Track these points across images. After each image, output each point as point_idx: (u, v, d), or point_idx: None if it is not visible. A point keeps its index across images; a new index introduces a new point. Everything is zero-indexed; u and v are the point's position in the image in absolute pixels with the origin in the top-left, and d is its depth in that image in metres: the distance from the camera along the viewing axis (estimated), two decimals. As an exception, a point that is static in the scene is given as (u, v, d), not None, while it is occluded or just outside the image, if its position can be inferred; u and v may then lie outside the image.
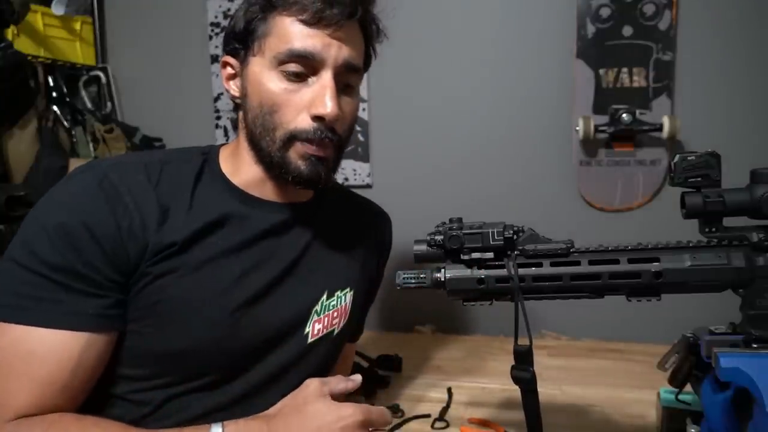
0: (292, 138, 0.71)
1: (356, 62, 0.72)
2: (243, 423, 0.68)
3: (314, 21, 0.68)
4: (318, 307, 0.81)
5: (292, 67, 0.70)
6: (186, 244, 0.70)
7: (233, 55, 0.76)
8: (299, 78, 0.70)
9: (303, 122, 0.70)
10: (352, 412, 0.68)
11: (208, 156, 0.79)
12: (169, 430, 0.67)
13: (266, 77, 0.71)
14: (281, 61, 0.70)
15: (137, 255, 0.67)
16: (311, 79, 0.70)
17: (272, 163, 0.73)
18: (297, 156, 0.72)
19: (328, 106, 0.68)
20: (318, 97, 0.69)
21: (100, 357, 0.67)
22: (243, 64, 0.74)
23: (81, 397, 0.67)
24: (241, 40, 0.74)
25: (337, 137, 0.73)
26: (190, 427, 0.67)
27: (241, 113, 0.77)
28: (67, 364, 0.64)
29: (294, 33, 0.69)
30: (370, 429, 0.70)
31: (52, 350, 0.63)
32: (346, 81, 0.73)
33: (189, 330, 0.70)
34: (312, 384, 0.72)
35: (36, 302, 0.63)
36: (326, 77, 0.70)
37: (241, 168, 0.77)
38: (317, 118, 0.70)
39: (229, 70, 0.77)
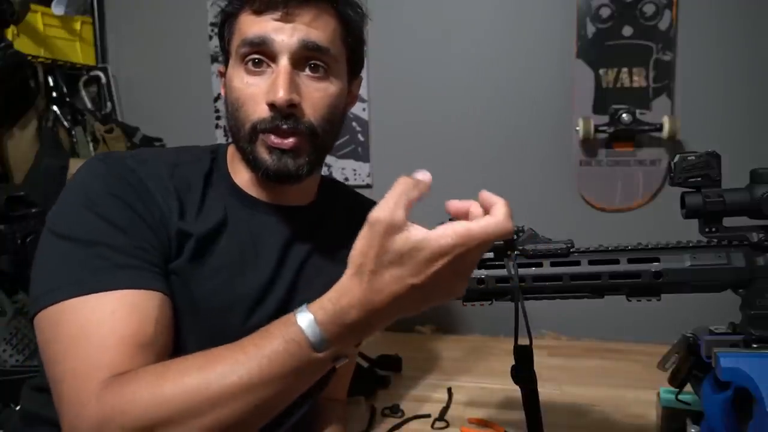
0: (255, 130, 0.71)
1: (320, 41, 0.70)
2: (332, 303, 0.54)
3: (263, 8, 0.69)
4: None
5: (251, 57, 0.70)
6: (198, 246, 0.70)
7: (224, 64, 0.78)
8: (260, 70, 0.70)
9: (262, 112, 0.70)
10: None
11: (217, 155, 0.79)
12: (252, 336, 0.58)
13: (233, 75, 0.72)
14: (242, 56, 0.71)
15: (169, 244, 0.68)
16: (271, 69, 0.70)
17: (248, 160, 0.73)
18: (263, 149, 0.71)
19: (278, 92, 0.67)
20: (272, 84, 0.69)
21: (171, 322, 0.66)
22: (227, 71, 0.76)
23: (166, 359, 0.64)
24: (223, 49, 0.77)
25: (305, 125, 0.71)
26: (274, 323, 0.57)
27: None
28: (150, 321, 0.62)
29: (247, 24, 0.70)
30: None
31: (134, 308, 0.61)
32: (314, 63, 0.71)
33: (202, 342, 0.70)
34: (384, 219, 0.51)
35: (109, 271, 0.62)
36: (281, 63, 0.69)
37: (242, 170, 0.77)
38: (272, 106, 0.69)
39: (222, 79, 0.79)
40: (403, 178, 0.54)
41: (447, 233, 0.51)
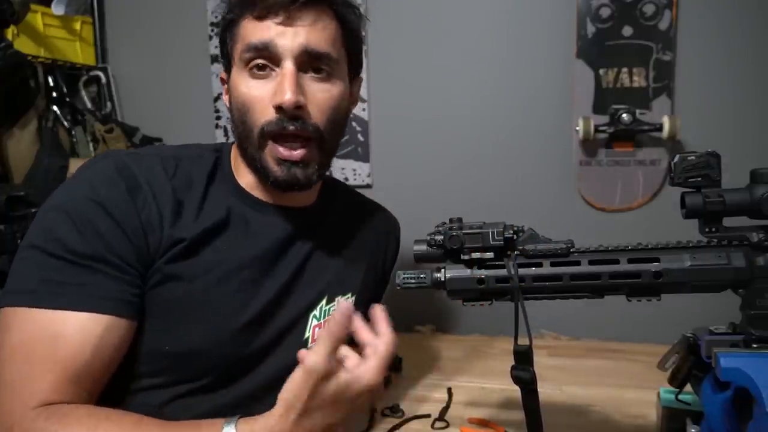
0: (263, 135, 0.71)
1: (321, 48, 0.71)
2: (257, 420, 0.60)
3: (264, 13, 0.70)
4: (316, 312, 0.81)
5: (255, 62, 0.70)
6: (195, 243, 0.70)
7: (225, 70, 0.78)
8: (264, 74, 0.71)
9: (269, 115, 0.70)
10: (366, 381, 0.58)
11: (221, 154, 0.79)
12: (182, 422, 0.65)
13: (238, 81, 0.72)
14: (246, 61, 0.71)
15: (155, 247, 0.68)
16: (275, 72, 0.71)
17: (256, 168, 0.73)
18: (271, 159, 0.71)
19: (285, 93, 0.68)
20: (278, 86, 0.69)
21: (121, 343, 0.67)
22: (229, 77, 0.76)
23: (100, 385, 0.67)
24: (225, 55, 0.77)
25: (312, 127, 0.71)
26: (206, 422, 0.63)
27: None
28: (90, 347, 0.63)
29: (250, 30, 0.71)
30: None
31: (77, 332, 0.63)
32: (317, 67, 0.72)
33: (195, 335, 0.70)
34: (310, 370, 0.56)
35: (61, 286, 0.64)
36: (286, 66, 0.69)
37: (246, 171, 0.77)
38: (279, 109, 0.69)
39: (225, 85, 0.79)
40: (332, 318, 0.57)
41: (370, 368, 0.58)
